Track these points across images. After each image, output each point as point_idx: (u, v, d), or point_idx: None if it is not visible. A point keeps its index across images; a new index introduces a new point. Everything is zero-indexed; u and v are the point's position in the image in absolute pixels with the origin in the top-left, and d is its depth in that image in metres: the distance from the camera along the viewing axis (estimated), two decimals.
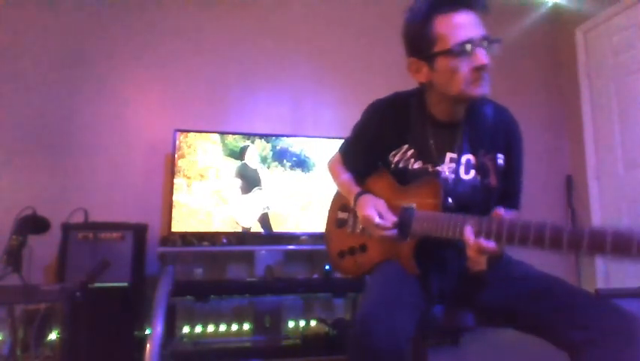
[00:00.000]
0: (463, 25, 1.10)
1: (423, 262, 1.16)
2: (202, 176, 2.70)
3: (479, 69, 1.10)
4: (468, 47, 1.08)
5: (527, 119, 3.46)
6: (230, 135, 2.79)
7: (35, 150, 2.76)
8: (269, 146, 2.83)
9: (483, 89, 1.13)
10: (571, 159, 3.56)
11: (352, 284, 2.48)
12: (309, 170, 2.86)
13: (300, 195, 2.82)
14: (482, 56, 1.09)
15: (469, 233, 1.00)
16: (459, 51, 1.09)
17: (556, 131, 3.62)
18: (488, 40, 1.11)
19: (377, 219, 1.20)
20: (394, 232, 1.19)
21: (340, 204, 1.47)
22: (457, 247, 1.20)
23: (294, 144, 2.87)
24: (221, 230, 2.69)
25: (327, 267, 2.61)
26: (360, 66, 3.29)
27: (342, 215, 1.45)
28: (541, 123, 3.59)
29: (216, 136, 2.77)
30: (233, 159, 2.77)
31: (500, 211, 1.01)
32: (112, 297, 2.27)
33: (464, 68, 1.10)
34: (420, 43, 1.15)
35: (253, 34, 3.19)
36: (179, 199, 2.65)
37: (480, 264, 1.05)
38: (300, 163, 2.85)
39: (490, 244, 0.96)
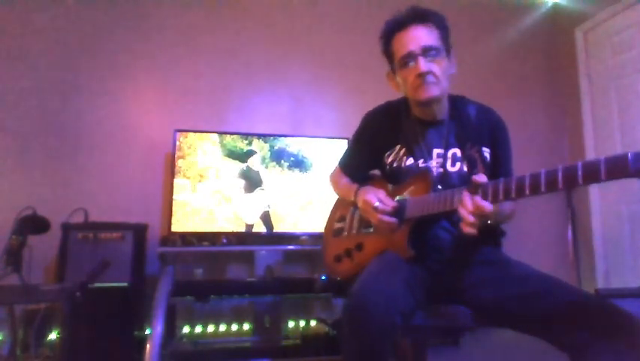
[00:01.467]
0: (407, 41, 1.28)
1: (419, 251, 1.21)
2: (201, 176, 2.71)
3: (419, 76, 1.26)
4: (410, 58, 1.27)
5: (527, 119, 3.51)
6: (230, 136, 2.80)
7: (35, 150, 2.76)
8: (267, 146, 2.83)
9: (426, 93, 1.28)
10: (571, 159, 3.56)
11: (352, 284, 2.47)
12: (306, 170, 2.86)
13: (299, 195, 2.82)
14: (420, 65, 1.26)
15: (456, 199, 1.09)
16: (404, 63, 1.29)
17: (557, 131, 3.61)
18: (430, 49, 1.26)
19: (376, 202, 1.27)
20: (394, 219, 1.24)
21: (338, 216, 1.53)
22: (453, 233, 1.28)
23: (292, 144, 2.87)
24: (223, 228, 2.69)
25: (323, 277, 2.60)
26: (359, 66, 3.29)
27: (339, 225, 1.50)
28: (541, 123, 3.59)
29: (216, 136, 2.77)
30: (231, 159, 2.77)
31: (475, 177, 1.08)
32: (112, 297, 2.27)
33: (410, 76, 1.29)
34: (388, 58, 1.38)
35: (253, 34, 3.19)
36: (180, 199, 2.65)
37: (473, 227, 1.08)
38: (298, 163, 2.86)
39: (484, 203, 1.03)
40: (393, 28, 1.32)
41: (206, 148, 2.74)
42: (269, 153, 2.83)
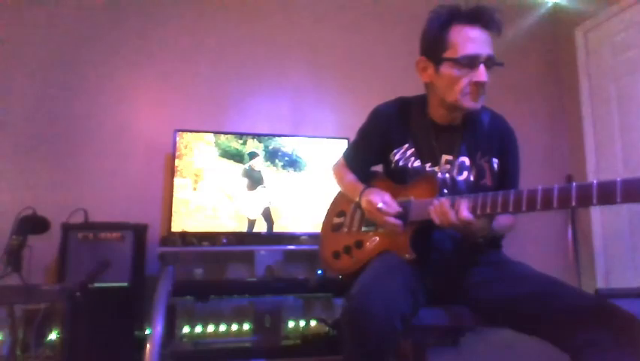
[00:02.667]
0: (474, 40, 1.19)
1: (420, 253, 1.20)
2: (197, 176, 2.71)
3: (477, 84, 1.20)
4: (473, 61, 1.18)
5: (527, 119, 3.51)
6: (229, 135, 2.80)
7: (35, 150, 2.76)
8: (261, 146, 2.83)
9: (473, 104, 1.23)
10: (571, 159, 3.56)
11: (352, 284, 2.47)
12: (301, 170, 2.86)
13: (297, 195, 2.82)
14: (482, 73, 1.19)
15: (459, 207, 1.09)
16: (464, 63, 1.19)
17: (556, 131, 3.62)
18: (492, 61, 1.21)
19: (380, 204, 1.25)
20: (399, 222, 1.22)
21: (337, 211, 1.51)
22: (454, 236, 1.26)
23: (287, 144, 2.87)
24: (224, 228, 2.70)
25: (319, 271, 2.60)
26: (359, 66, 3.29)
27: (337, 220, 1.48)
28: (541, 123, 3.59)
29: (211, 136, 2.77)
30: (226, 159, 2.77)
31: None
32: (112, 297, 2.27)
33: (464, 79, 1.20)
34: (433, 44, 1.24)
35: (253, 34, 3.19)
36: (180, 197, 2.65)
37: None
38: (292, 163, 2.85)
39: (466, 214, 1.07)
40: (462, 16, 1.21)
41: (202, 148, 2.74)
42: (263, 152, 2.83)
